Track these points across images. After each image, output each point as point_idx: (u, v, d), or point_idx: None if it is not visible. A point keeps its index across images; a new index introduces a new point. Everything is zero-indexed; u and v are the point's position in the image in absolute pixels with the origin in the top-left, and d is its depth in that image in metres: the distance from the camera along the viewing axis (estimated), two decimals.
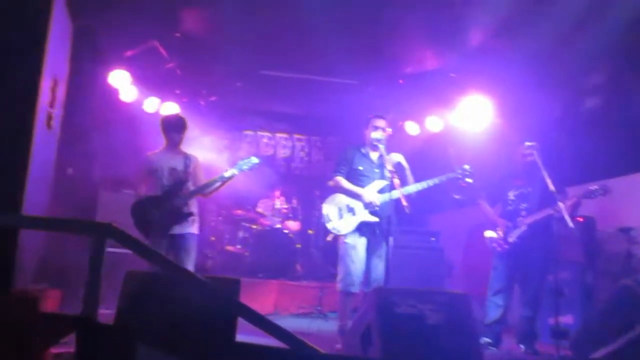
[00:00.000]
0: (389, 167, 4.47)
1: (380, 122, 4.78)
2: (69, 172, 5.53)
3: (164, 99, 7.67)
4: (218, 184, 4.74)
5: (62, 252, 4.44)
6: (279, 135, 9.78)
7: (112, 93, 6.99)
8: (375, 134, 4.71)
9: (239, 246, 8.01)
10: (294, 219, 8.29)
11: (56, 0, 3.88)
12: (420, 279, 6.20)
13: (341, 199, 4.78)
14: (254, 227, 8.05)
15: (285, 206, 8.30)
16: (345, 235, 4.66)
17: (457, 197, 5.15)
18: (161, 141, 4.93)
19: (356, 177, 4.79)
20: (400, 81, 7.01)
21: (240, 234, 8.14)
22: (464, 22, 5.34)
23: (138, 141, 6.64)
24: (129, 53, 6.71)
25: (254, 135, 9.71)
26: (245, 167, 4.85)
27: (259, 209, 8.41)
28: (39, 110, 3.73)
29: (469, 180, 4.66)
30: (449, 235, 6.86)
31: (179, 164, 4.86)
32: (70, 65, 4.89)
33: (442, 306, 3.35)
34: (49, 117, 4.10)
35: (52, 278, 4.36)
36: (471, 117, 6.85)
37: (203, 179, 4.83)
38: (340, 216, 4.71)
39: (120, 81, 6.94)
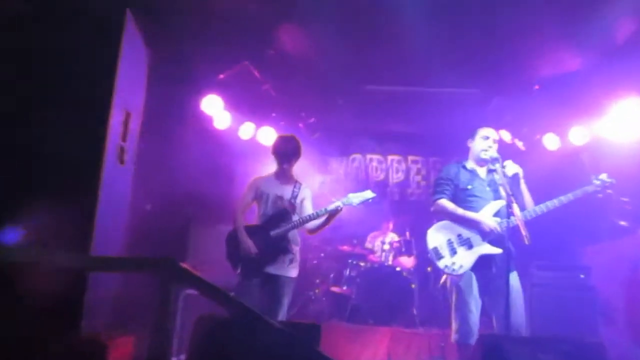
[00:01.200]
0: (505, 185, 4.21)
1: (489, 132, 4.61)
2: (147, 207, 5.71)
3: (259, 124, 7.77)
4: (323, 218, 4.64)
5: (139, 294, 4.40)
6: (390, 157, 9.56)
7: (205, 121, 7.17)
8: (483, 145, 4.53)
9: (345, 287, 7.67)
10: (408, 253, 7.94)
11: (128, 29, 4.06)
12: (566, 325, 5.78)
13: (450, 227, 4.52)
14: (363, 264, 7.73)
15: (398, 239, 8.03)
16: (460, 276, 4.41)
17: (623, 223, 5.02)
18: (259, 169, 5.14)
19: (464, 199, 4.56)
20: (536, 87, 6.73)
21: (347, 272, 7.78)
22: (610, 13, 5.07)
23: (234, 170, 6.88)
24: (221, 77, 6.84)
25: (362, 158, 9.51)
26: (356, 201, 4.72)
27: (368, 244, 8.20)
28: (109, 144, 3.94)
29: (609, 191, 4.37)
30: (604, 270, 6.34)
31: (286, 193, 4.85)
32: (155, 95, 5.06)
33: (568, 357, 3.19)
34: (121, 151, 4.26)
35: (127, 322, 4.43)
36: (625, 125, 6.41)
37: (309, 211, 4.78)
38: (453, 251, 4.44)
39: (213, 107, 7.09)
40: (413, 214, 8.69)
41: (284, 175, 4.92)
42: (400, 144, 9.45)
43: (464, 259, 4.42)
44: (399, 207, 9.11)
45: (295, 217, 4.76)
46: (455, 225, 4.53)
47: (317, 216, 4.65)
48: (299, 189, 4.87)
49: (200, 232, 6.43)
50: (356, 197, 4.75)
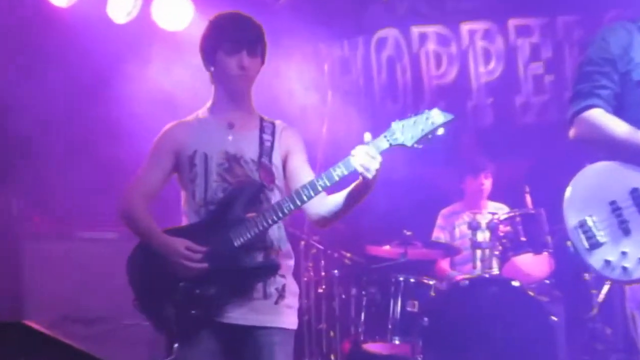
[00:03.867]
0: None
1: None
2: None
3: None
4: (342, 194, 4.15)
5: None
6: (467, 26, 8.33)
7: None
8: None
9: (396, 339, 6.67)
10: (534, 247, 6.88)
11: None
12: None
13: (616, 175, 4.10)
14: (431, 282, 6.89)
15: (507, 215, 7.03)
16: None
17: None
18: (173, 114, 4.83)
19: None
20: None
21: (397, 306, 6.75)
22: None
23: (115, 116, 6.56)
24: None
25: (402, 37, 8.41)
26: (412, 135, 4.03)
27: (439, 235, 7.62)
28: None
29: None
30: None
31: (247, 146, 4.46)
32: None
33: None
34: None
35: None
36: None
37: (307, 176, 4.32)
38: (623, 227, 3.95)
39: None
40: (534, 153, 7.88)
41: (234, 108, 4.45)
42: None
43: None
44: (499, 139, 8.07)
45: (275, 196, 4.37)
46: (627, 170, 4.08)
47: (328, 185, 4.07)
48: (273, 132, 4.52)
49: (49, 251, 6.29)
50: (410, 127, 4.06)
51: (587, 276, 6.88)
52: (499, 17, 8.36)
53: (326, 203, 4.30)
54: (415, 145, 4.05)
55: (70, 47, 6.92)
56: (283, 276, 4.30)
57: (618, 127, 4.09)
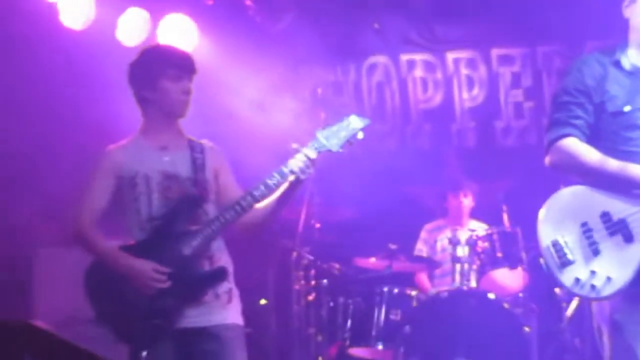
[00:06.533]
0: None
1: None
2: None
3: (158, 11, 7.30)
4: (276, 192, 4.46)
5: None
6: (452, 55, 8.69)
7: (44, 15, 6.84)
8: None
9: (379, 345, 6.97)
10: (511, 262, 7.14)
11: None
12: None
13: (587, 200, 4.21)
14: (414, 293, 7.17)
15: (485, 232, 7.25)
16: (615, 304, 4.06)
17: None
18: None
19: (617, 135, 4.20)
20: None
21: (381, 314, 7.04)
22: None
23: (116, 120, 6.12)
24: None
25: (391, 63, 8.71)
26: (336, 141, 4.48)
27: (422, 248, 7.86)
28: None
29: None
30: None
31: (181, 164, 4.68)
32: None
33: None
34: None
35: None
36: None
37: (237, 191, 4.64)
38: (593, 248, 4.07)
39: None
40: (513, 175, 8.15)
41: (167, 130, 4.70)
42: (470, 24, 8.48)
43: (616, 265, 4.04)
44: (480, 161, 8.44)
45: (211, 209, 4.63)
46: (598, 194, 4.16)
47: (265, 194, 4.39)
48: (202, 151, 4.74)
49: (58, 256, 6.37)
50: (333, 134, 4.49)
51: (558, 291, 7.04)
52: (483, 47, 8.65)
53: (256, 211, 4.61)
54: (340, 150, 4.49)
55: (78, 66, 7.05)
56: (228, 281, 4.61)
57: (591, 155, 4.20)
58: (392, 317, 7.05)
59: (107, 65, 6.83)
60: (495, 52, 8.69)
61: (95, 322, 4.62)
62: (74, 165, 6.73)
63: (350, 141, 4.53)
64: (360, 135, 4.52)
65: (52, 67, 6.97)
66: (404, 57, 8.80)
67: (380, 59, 8.85)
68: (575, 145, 4.21)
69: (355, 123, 4.58)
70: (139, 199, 4.61)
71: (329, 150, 4.48)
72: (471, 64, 8.74)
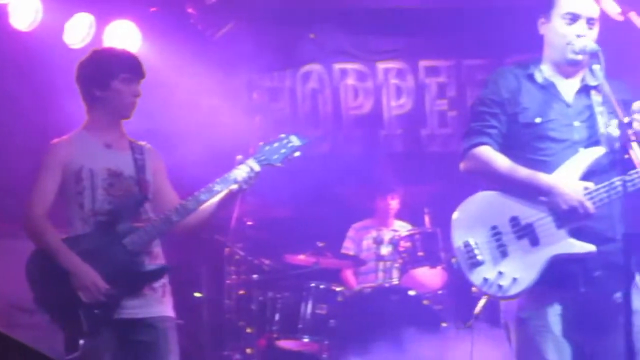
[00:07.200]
0: (617, 112, 4.06)
1: (580, 3, 4.33)
2: None
3: (104, 15, 7.32)
4: (210, 205, 4.58)
5: None
6: (383, 65, 8.94)
7: None
8: (567, 32, 4.21)
9: (306, 338, 7.22)
10: (431, 261, 7.44)
11: None
12: None
13: (497, 204, 4.32)
14: (339, 289, 7.38)
15: (409, 233, 7.54)
16: (521, 302, 4.21)
17: None
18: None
19: (528, 145, 4.28)
20: None
21: (308, 309, 7.30)
22: None
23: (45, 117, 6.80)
24: None
25: (325, 71, 8.97)
26: (275, 158, 4.63)
27: (349, 247, 8.06)
28: None
29: None
30: None
31: (124, 163, 4.73)
32: None
33: None
34: None
35: None
36: None
37: (172, 196, 4.80)
38: (501, 250, 4.20)
39: None
40: (436, 179, 8.24)
41: (113, 130, 4.77)
42: (401, 37, 8.86)
43: (522, 266, 4.15)
44: (406, 166, 8.70)
45: (151, 208, 4.71)
46: (508, 200, 4.28)
47: (209, 198, 4.49)
48: (142, 152, 4.83)
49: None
50: (275, 150, 4.65)
51: (475, 289, 7.52)
52: (411, 58, 8.96)
53: (197, 213, 4.68)
54: (279, 164, 4.64)
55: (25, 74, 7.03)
56: (163, 273, 4.75)
57: (502, 163, 4.31)
58: (318, 311, 7.27)
59: (54, 66, 6.90)
60: (422, 64, 8.96)
61: (34, 310, 4.68)
62: (17, 161, 6.70)
63: (289, 158, 4.72)
64: (297, 154, 4.73)
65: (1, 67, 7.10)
66: (337, 66, 9.03)
67: (315, 67, 9.06)
68: (488, 153, 4.33)
69: (295, 142, 4.75)
70: (82, 193, 4.68)
71: (271, 165, 4.67)
72: (400, 74, 9.00)
